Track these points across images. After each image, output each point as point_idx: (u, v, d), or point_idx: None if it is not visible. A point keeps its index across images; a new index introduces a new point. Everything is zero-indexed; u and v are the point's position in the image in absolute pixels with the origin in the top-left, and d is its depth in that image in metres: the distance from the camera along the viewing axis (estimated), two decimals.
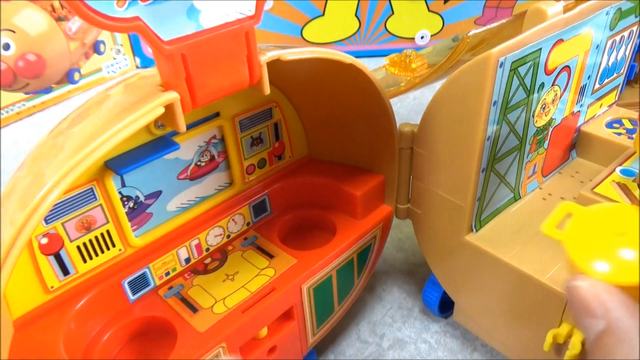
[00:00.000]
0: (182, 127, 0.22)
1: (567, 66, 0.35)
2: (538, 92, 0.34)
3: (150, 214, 0.32)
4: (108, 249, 0.30)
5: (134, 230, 0.31)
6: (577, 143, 0.43)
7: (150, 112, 0.20)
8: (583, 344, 0.30)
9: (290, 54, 0.25)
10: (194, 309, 0.31)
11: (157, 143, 0.29)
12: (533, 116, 0.35)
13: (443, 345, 0.41)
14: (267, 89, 0.24)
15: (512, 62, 0.29)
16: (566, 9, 0.32)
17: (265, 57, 0.24)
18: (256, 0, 0.22)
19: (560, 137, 0.40)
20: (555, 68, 0.34)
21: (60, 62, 0.66)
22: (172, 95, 0.21)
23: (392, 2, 0.80)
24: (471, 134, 0.31)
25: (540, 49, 0.31)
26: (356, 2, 0.79)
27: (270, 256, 0.35)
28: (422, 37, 0.83)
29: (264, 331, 0.33)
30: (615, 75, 0.43)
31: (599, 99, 0.42)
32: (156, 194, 0.32)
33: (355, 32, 0.83)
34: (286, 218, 0.39)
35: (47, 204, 0.18)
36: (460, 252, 0.36)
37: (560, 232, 0.25)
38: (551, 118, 0.37)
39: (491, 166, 0.34)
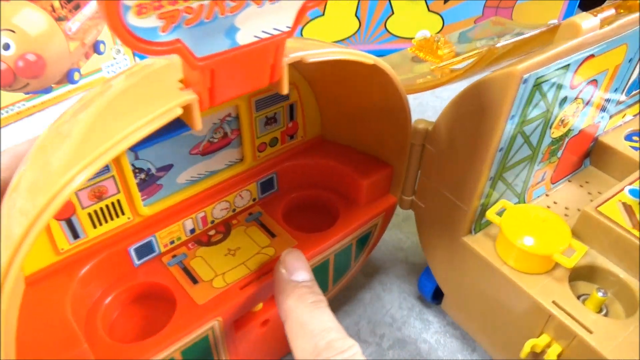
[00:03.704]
0: (198, 125, 0.22)
1: (595, 80, 0.34)
2: (560, 106, 0.33)
3: (160, 186, 0.33)
4: (117, 216, 0.31)
5: (143, 200, 0.32)
6: (592, 152, 0.42)
7: (168, 112, 0.20)
8: (559, 355, 0.32)
9: (313, 56, 0.25)
10: (194, 280, 0.33)
11: (172, 122, 0.29)
12: (550, 128, 0.34)
13: (443, 345, 0.42)
14: (285, 89, 0.24)
15: (537, 79, 0.29)
16: (603, 23, 0.31)
17: (288, 58, 0.23)
18: (295, 17, 0.21)
19: (576, 147, 0.39)
20: (582, 82, 0.33)
21: (60, 62, 0.65)
22: (191, 97, 0.21)
23: (392, 2, 0.79)
24: (484, 144, 0.31)
25: (569, 65, 0.30)
26: (356, 2, 0.78)
27: (272, 235, 0.36)
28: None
29: (260, 305, 0.35)
30: None
31: (622, 110, 0.41)
32: (167, 167, 0.32)
33: (355, 32, 0.82)
34: (292, 197, 0.39)
35: (58, 201, 0.19)
36: (455, 251, 0.37)
37: (498, 217, 0.34)
38: (569, 129, 0.37)
39: (499, 175, 0.34)
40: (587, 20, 0.30)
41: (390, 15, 0.81)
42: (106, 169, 0.29)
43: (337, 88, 0.36)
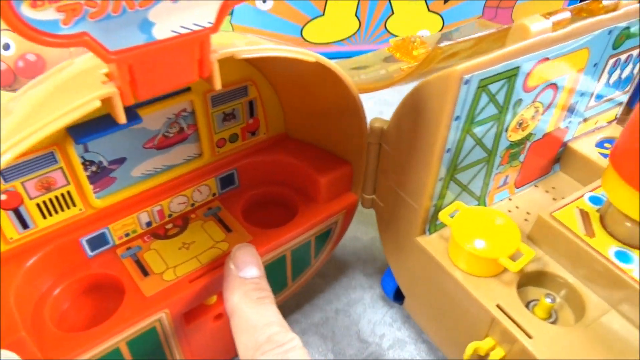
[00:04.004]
0: (122, 118, 0.22)
1: (554, 84, 0.34)
2: (514, 108, 0.33)
3: (113, 178, 0.33)
4: (68, 208, 0.32)
5: (96, 192, 0.33)
6: (561, 157, 0.42)
7: (86, 104, 0.21)
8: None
9: (246, 52, 0.25)
10: (145, 272, 0.33)
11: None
12: (506, 131, 0.34)
13: None
14: (217, 85, 0.25)
15: (481, 80, 0.29)
16: (557, 26, 0.30)
17: (217, 54, 0.24)
18: (217, 13, 0.21)
19: (541, 151, 0.39)
20: (538, 85, 0.33)
21: (60, 62, 0.66)
22: (110, 90, 0.21)
23: (392, 2, 0.79)
24: (430, 144, 0.31)
25: (519, 67, 0.30)
26: (356, 2, 0.78)
27: (228, 230, 0.36)
28: None
29: (213, 298, 0.35)
30: (618, 92, 0.41)
31: (593, 116, 0.41)
32: (120, 160, 0.33)
33: (355, 32, 0.82)
34: (252, 193, 0.40)
35: None
36: (410, 251, 0.37)
37: (450, 219, 0.34)
38: (529, 133, 0.36)
39: (451, 176, 0.34)
40: (538, 23, 0.29)
41: (390, 15, 0.81)
42: (53, 160, 0.30)
43: (295, 86, 0.36)
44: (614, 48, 0.35)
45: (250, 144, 0.39)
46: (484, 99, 0.30)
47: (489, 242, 0.32)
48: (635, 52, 0.38)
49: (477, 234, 0.33)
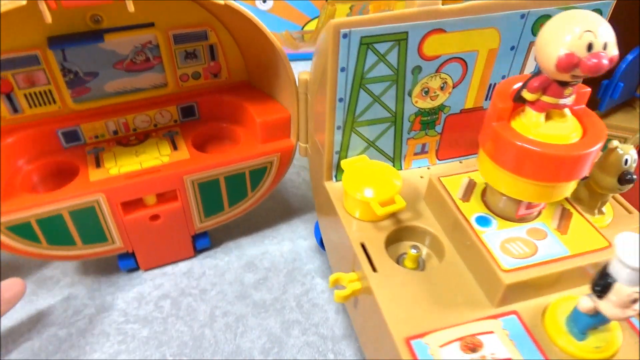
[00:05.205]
0: (47, 19, 0.30)
1: (460, 58, 0.37)
2: (413, 74, 0.36)
3: (88, 89, 0.42)
4: (50, 103, 0.41)
5: (73, 98, 0.42)
6: None
7: (14, 2, 0.29)
8: (355, 292, 0.35)
9: None
10: (98, 165, 0.42)
11: (88, 34, 0.38)
12: (410, 95, 0.38)
13: None
14: (129, 7, 0.32)
15: (363, 37, 0.33)
16: (448, 1, 0.33)
17: None
18: None
19: (462, 127, 0.41)
20: (438, 56, 0.36)
21: None
22: None
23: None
24: (324, 92, 0.35)
25: (407, 32, 0.34)
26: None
27: (175, 148, 0.44)
28: None
29: (151, 199, 0.43)
30: None
31: None
32: (94, 74, 0.42)
33: None
34: (208, 126, 0.47)
35: None
36: (321, 194, 0.42)
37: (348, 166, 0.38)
38: (442, 104, 0.39)
39: (351, 127, 0.38)
40: None
41: None
42: (36, 61, 0.39)
43: (247, 38, 0.42)
44: (534, 34, 0.37)
45: (212, 84, 0.46)
46: (372, 56, 0.34)
47: (370, 189, 0.36)
48: None
49: (364, 183, 0.37)
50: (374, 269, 0.34)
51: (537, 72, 0.28)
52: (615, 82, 0.45)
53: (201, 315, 0.44)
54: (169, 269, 0.48)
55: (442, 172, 0.38)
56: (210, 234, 0.50)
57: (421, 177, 0.42)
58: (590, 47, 0.25)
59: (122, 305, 0.45)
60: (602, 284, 0.26)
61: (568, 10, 0.27)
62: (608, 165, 0.35)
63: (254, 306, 0.45)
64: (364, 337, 0.38)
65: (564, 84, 0.28)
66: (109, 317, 0.44)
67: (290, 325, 0.43)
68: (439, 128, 0.41)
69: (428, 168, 0.43)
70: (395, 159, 0.41)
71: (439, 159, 0.43)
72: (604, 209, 0.38)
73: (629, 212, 0.39)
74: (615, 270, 0.26)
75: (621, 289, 0.26)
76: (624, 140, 0.48)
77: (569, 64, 0.25)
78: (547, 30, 0.26)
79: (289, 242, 0.51)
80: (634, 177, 0.34)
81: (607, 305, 0.27)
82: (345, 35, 0.32)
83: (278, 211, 0.55)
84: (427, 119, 0.40)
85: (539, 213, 0.34)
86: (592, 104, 0.46)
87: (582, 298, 0.27)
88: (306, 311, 0.45)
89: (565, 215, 0.34)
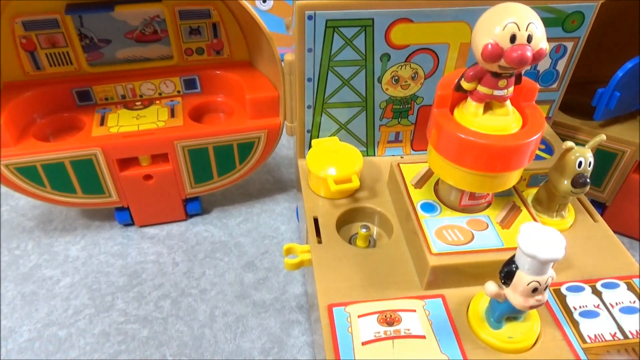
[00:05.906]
0: None
1: (430, 50, 0.38)
2: (382, 61, 0.38)
3: (102, 54, 0.47)
4: (67, 64, 0.46)
5: (88, 61, 0.47)
6: None
7: None
8: (303, 262, 0.38)
9: None
10: (103, 123, 0.46)
11: (101, 4, 0.43)
12: (380, 82, 0.39)
13: None
14: None
15: (328, 20, 0.35)
16: None
17: None
18: None
19: None
20: (406, 45, 0.37)
21: None
22: None
23: None
24: (294, 70, 0.38)
25: (373, 19, 0.35)
26: None
27: (172, 116, 0.48)
28: None
29: (145, 159, 0.47)
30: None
31: None
32: (107, 41, 0.46)
33: None
34: (208, 99, 0.50)
35: None
36: (297, 171, 0.44)
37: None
38: (414, 94, 0.40)
39: (322, 107, 0.40)
40: None
41: None
42: (56, 24, 0.44)
43: (243, 18, 0.45)
44: None
45: (215, 60, 0.50)
46: (338, 40, 0.36)
47: (331, 168, 0.38)
48: (550, 45, 0.39)
49: (326, 162, 0.39)
50: (320, 242, 0.36)
51: (475, 63, 0.29)
52: (610, 90, 0.44)
53: (201, 315, 0.44)
54: (169, 269, 0.49)
55: (413, 161, 0.39)
56: (212, 225, 0.52)
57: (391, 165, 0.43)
58: (513, 38, 0.26)
59: (122, 305, 0.45)
60: (506, 270, 0.27)
61: (503, 3, 0.27)
62: (562, 167, 0.34)
63: (254, 306, 0.45)
64: (310, 308, 0.40)
65: (496, 75, 0.28)
66: (109, 317, 0.44)
67: (290, 325, 0.43)
68: (412, 118, 0.42)
69: (402, 157, 0.44)
70: (369, 145, 0.43)
71: (413, 149, 0.44)
72: (564, 212, 0.37)
73: (595, 220, 0.38)
74: (518, 258, 0.27)
75: (522, 277, 0.26)
76: (621, 154, 0.47)
77: (492, 53, 0.26)
78: (480, 20, 0.27)
79: (289, 242, 0.52)
80: (588, 180, 0.34)
81: (511, 293, 0.27)
82: (310, 17, 0.34)
83: (278, 211, 0.56)
84: (400, 108, 0.41)
85: (488, 205, 0.35)
86: (589, 112, 0.46)
87: (489, 283, 0.28)
88: (306, 311, 0.44)
89: (513, 211, 0.35)
